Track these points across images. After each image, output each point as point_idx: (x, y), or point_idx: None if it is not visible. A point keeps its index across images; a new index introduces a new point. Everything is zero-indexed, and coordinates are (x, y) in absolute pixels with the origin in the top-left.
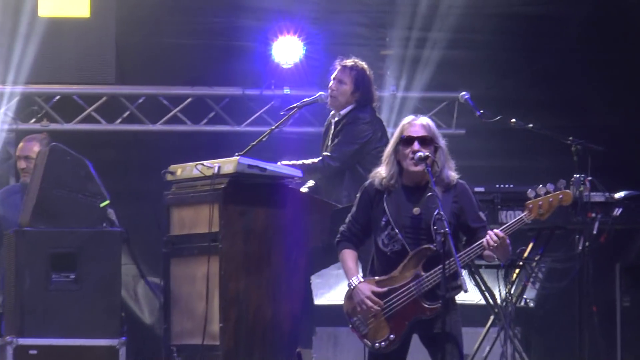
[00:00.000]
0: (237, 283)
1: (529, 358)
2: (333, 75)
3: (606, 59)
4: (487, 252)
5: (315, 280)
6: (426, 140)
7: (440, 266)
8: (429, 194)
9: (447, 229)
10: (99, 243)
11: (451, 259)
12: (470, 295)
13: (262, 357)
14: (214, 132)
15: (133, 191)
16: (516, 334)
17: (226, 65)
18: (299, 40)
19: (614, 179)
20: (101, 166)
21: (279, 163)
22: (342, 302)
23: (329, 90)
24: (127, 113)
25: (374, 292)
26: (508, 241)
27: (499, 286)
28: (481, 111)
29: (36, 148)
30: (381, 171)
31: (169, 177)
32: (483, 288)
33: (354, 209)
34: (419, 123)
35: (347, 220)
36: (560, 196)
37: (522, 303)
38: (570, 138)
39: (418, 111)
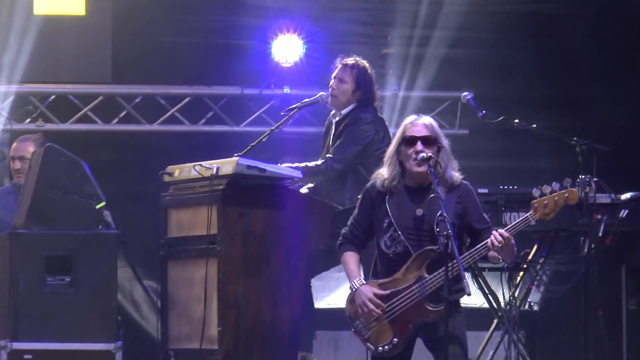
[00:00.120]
0: (236, 286)
1: None
2: (334, 74)
3: (612, 58)
4: (491, 253)
5: (315, 283)
6: (429, 140)
7: (443, 268)
8: (432, 195)
9: (450, 231)
10: (94, 245)
11: (454, 261)
12: (473, 298)
13: None
14: (212, 132)
15: (130, 192)
16: (520, 338)
17: (225, 64)
18: (299, 38)
19: (620, 180)
20: (97, 167)
21: (280, 165)
22: (343, 306)
23: (330, 89)
24: (123, 113)
25: (376, 295)
26: (513, 241)
27: (502, 289)
28: (484, 112)
29: (31, 148)
30: (383, 172)
31: (167, 178)
32: (487, 291)
33: (355, 211)
34: (422, 123)
35: (349, 222)
36: (566, 195)
37: (527, 306)
38: (575, 138)
39: (420, 111)
